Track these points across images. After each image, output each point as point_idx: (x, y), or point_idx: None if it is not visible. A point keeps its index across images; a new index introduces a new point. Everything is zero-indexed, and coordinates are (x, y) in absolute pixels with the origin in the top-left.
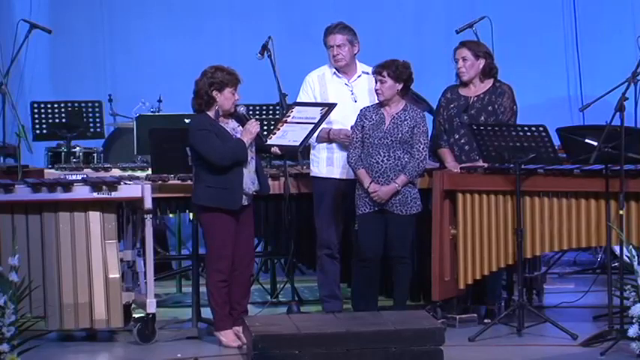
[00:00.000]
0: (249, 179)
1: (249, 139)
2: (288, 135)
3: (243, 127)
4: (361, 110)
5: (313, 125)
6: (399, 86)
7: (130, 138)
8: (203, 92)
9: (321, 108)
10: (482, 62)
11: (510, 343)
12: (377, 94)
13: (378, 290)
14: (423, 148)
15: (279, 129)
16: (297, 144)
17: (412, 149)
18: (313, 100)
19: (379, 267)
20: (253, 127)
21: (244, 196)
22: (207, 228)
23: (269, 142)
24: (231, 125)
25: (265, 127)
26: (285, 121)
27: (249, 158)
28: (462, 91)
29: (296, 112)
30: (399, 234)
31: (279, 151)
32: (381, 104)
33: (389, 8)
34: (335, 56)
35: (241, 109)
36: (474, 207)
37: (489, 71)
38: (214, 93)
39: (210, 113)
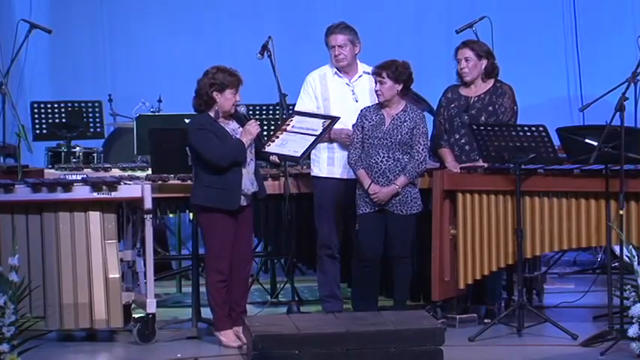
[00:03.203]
0: (248, 180)
1: (249, 140)
2: (288, 144)
3: (243, 127)
4: (361, 110)
5: (315, 137)
6: (399, 87)
7: (130, 138)
8: (204, 92)
9: (323, 120)
10: (484, 62)
11: (510, 343)
12: (377, 95)
13: (378, 290)
14: (422, 149)
15: (277, 137)
16: (298, 155)
17: (412, 150)
18: (314, 100)
19: (379, 267)
20: (253, 127)
21: (243, 197)
22: (205, 228)
23: (267, 149)
24: (231, 126)
25: (265, 129)
26: (285, 130)
27: (248, 159)
28: (463, 91)
29: (296, 122)
30: (399, 234)
31: (277, 160)
32: (382, 105)
33: (389, 8)
34: (337, 56)
35: (242, 109)
36: (474, 207)
37: (491, 71)
38: (215, 94)
39: (211, 113)
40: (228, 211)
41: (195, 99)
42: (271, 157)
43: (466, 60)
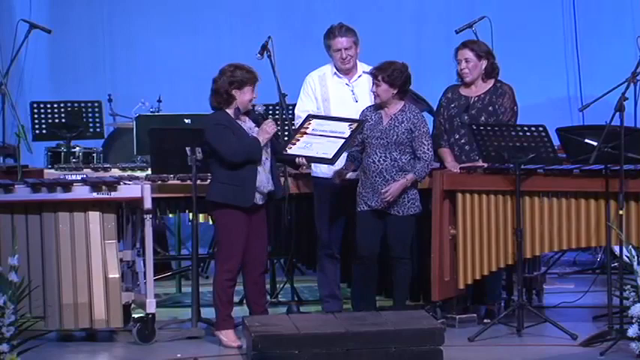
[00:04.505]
0: (264, 177)
1: (265, 139)
2: (313, 147)
3: (259, 127)
4: (363, 110)
5: (344, 140)
6: (394, 91)
7: (129, 138)
8: (223, 91)
9: (349, 124)
10: (484, 63)
11: (510, 343)
12: (373, 96)
13: (378, 290)
14: (428, 149)
15: (298, 140)
16: (330, 157)
17: (416, 151)
18: (314, 101)
19: (376, 266)
20: (270, 126)
21: (259, 195)
22: (219, 226)
23: (290, 151)
24: (247, 125)
25: (281, 134)
26: (305, 133)
27: (263, 158)
28: (463, 91)
29: (315, 125)
30: (399, 235)
31: (305, 162)
32: (380, 105)
33: (389, 8)
34: (344, 59)
35: (259, 109)
36: (473, 207)
37: (492, 71)
38: (234, 91)
39: (229, 111)
40: (243, 209)
41: (212, 97)
42: (298, 159)
43: (466, 61)
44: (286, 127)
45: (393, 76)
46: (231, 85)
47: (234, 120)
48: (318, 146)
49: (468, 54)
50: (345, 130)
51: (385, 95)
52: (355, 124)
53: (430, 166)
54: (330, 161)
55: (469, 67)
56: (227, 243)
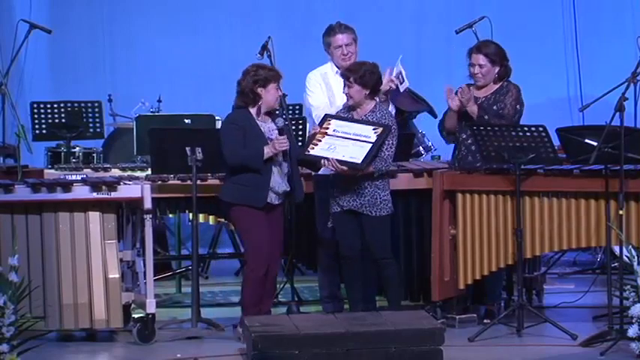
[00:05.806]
0: (279, 178)
1: (271, 153)
2: (338, 149)
3: (279, 133)
4: (336, 112)
5: (372, 145)
6: (367, 91)
7: (129, 138)
8: (248, 90)
9: (373, 128)
10: (497, 67)
11: (510, 343)
12: (346, 97)
13: (377, 290)
14: (386, 148)
15: (319, 140)
16: (359, 162)
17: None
18: (323, 95)
19: (360, 264)
20: (280, 144)
21: (275, 195)
22: (239, 224)
23: (312, 152)
24: (268, 125)
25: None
26: (325, 133)
27: (279, 159)
28: (474, 92)
29: (336, 126)
30: (375, 236)
31: (331, 166)
32: (352, 106)
33: (389, 8)
34: (345, 55)
35: (280, 123)
36: (473, 207)
37: (504, 75)
38: (259, 90)
39: (252, 110)
40: (259, 207)
41: (238, 98)
42: (324, 161)
43: (480, 66)
44: (286, 124)
45: (364, 78)
46: (256, 84)
47: (254, 119)
48: (343, 149)
49: (483, 60)
50: (370, 134)
51: (358, 96)
52: (380, 129)
53: (387, 163)
54: (360, 166)
55: (482, 73)
56: (253, 238)
